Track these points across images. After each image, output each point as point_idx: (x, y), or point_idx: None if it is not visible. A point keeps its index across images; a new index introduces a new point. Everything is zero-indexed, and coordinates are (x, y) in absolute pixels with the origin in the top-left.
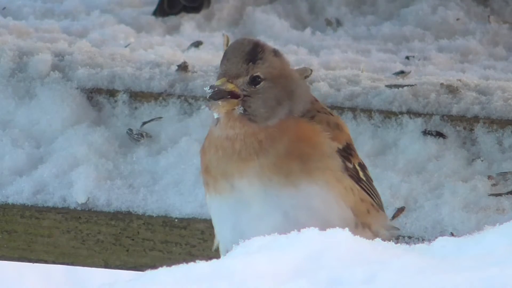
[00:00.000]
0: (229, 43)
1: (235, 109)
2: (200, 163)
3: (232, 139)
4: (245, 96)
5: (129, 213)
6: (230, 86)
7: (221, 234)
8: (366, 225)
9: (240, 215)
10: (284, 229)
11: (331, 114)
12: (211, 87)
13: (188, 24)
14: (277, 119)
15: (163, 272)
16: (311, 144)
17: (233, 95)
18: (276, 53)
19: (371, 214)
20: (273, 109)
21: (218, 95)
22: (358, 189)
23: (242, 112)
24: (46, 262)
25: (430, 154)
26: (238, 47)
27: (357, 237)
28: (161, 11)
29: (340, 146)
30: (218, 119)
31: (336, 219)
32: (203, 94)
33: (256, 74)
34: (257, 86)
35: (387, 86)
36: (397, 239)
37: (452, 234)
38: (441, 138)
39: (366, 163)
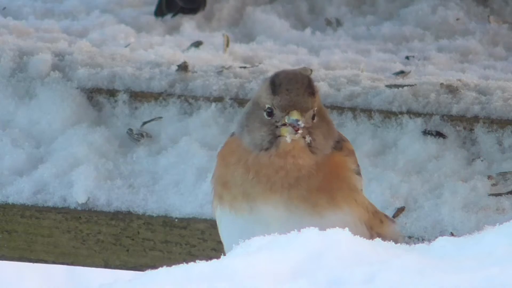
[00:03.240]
0: (229, 43)
1: (305, 137)
2: (217, 171)
3: (277, 169)
4: (308, 128)
5: (129, 213)
6: (304, 120)
7: (230, 244)
8: (381, 235)
9: (255, 234)
10: None
11: (344, 138)
12: (292, 123)
13: (188, 24)
14: (327, 152)
15: (163, 272)
16: (341, 179)
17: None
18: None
19: (385, 223)
20: (327, 142)
21: (297, 129)
22: (370, 203)
23: (309, 142)
24: (46, 262)
25: (430, 154)
26: (296, 79)
27: (357, 237)
28: (159, 12)
29: (358, 169)
30: (272, 143)
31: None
32: (203, 94)
33: (315, 108)
34: (314, 120)
35: (387, 86)
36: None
37: (452, 234)
38: (441, 138)
39: (366, 163)
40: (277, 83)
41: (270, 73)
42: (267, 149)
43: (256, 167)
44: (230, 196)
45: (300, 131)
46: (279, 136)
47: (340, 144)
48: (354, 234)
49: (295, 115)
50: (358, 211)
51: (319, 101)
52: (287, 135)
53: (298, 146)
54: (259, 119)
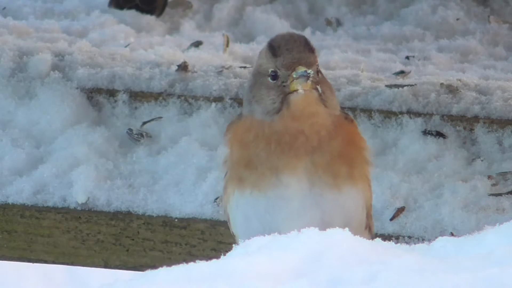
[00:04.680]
0: (229, 43)
1: (317, 88)
2: (234, 154)
3: (296, 134)
4: (316, 83)
5: (129, 213)
6: (312, 75)
7: (247, 232)
8: (369, 227)
9: (277, 213)
10: (318, 228)
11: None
12: (301, 76)
13: (188, 24)
14: (336, 112)
15: (163, 272)
16: (357, 149)
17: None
18: None
19: (371, 216)
20: (335, 99)
21: (307, 79)
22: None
23: (320, 93)
24: (46, 262)
25: (430, 154)
26: (294, 38)
27: (357, 237)
28: (116, 3)
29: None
30: (283, 103)
31: (357, 222)
32: (203, 94)
33: (317, 64)
34: (319, 76)
35: (387, 86)
36: (397, 239)
37: (452, 234)
38: (441, 138)
39: None
40: (275, 45)
41: None
42: (279, 111)
43: (275, 136)
44: (255, 175)
45: (310, 78)
46: (289, 93)
47: (347, 115)
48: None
49: (302, 69)
50: (369, 193)
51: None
52: (298, 87)
53: (311, 98)
54: (264, 86)
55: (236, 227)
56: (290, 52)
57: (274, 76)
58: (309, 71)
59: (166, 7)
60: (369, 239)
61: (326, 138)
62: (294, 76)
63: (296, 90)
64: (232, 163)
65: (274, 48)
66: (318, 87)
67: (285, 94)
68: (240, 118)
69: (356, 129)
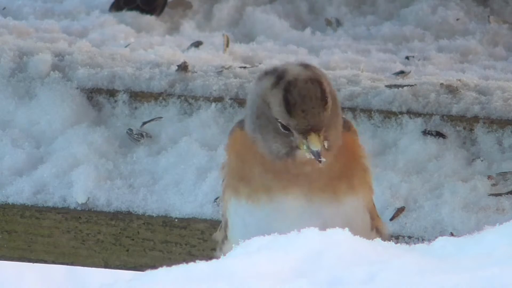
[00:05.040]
0: (229, 43)
1: (323, 145)
2: (230, 164)
3: (297, 175)
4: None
5: (129, 213)
6: (323, 140)
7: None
8: (377, 228)
9: (274, 223)
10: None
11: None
12: (316, 152)
13: (188, 24)
14: (339, 142)
15: (163, 272)
16: (357, 160)
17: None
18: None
19: (379, 217)
20: (339, 132)
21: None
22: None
23: (326, 147)
24: (46, 262)
25: (430, 154)
26: (310, 94)
27: (357, 237)
28: (117, 7)
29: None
30: (288, 154)
31: (360, 226)
32: (203, 94)
33: (329, 112)
34: (328, 114)
35: (387, 86)
36: (397, 239)
37: (452, 234)
38: (441, 138)
39: None
40: (291, 101)
41: None
42: (282, 158)
43: (273, 171)
44: (248, 189)
45: (321, 159)
46: (296, 147)
47: (347, 124)
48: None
49: (314, 141)
50: (370, 196)
51: (331, 88)
52: (307, 154)
53: (313, 160)
54: (272, 127)
55: (234, 232)
56: (305, 116)
57: (286, 129)
58: (319, 147)
59: (166, 6)
60: (380, 238)
61: (326, 170)
62: (305, 148)
63: (303, 149)
64: (229, 171)
65: (289, 104)
66: (325, 143)
67: (291, 148)
68: (242, 127)
69: (355, 138)
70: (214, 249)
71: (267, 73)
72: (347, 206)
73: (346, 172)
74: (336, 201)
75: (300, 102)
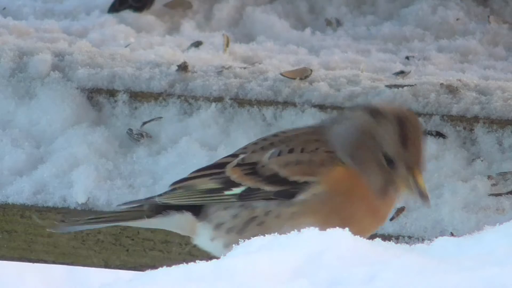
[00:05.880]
0: (229, 43)
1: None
2: (334, 202)
3: (384, 215)
4: None
5: None
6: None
7: None
8: None
9: None
10: None
11: None
12: (419, 191)
13: (188, 24)
14: None
15: (163, 272)
16: None
17: None
18: None
19: None
20: None
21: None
22: None
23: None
24: (46, 262)
25: (430, 154)
26: (419, 129)
27: (357, 237)
28: (112, 9)
29: None
30: (387, 191)
31: None
32: (203, 94)
33: None
34: None
35: (387, 86)
36: (397, 239)
37: (452, 234)
38: (441, 138)
39: None
40: (406, 134)
41: (270, 73)
42: (382, 193)
43: (374, 208)
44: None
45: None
46: (396, 184)
47: None
48: None
49: (421, 180)
50: None
51: None
52: (407, 191)
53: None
54: (375, 159)
55: None
56: (417, 151)
57: (391, 163)
58: (425, 187)
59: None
60: None
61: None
62: (411, 185)
63: (402, 189)
64: (329, 202)
65: (403, 136)
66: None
67: (392, 183)
68: (342, 164)
69: None
70: None
71: (363, 108)
72: None
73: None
74: None
75: (413, 136)
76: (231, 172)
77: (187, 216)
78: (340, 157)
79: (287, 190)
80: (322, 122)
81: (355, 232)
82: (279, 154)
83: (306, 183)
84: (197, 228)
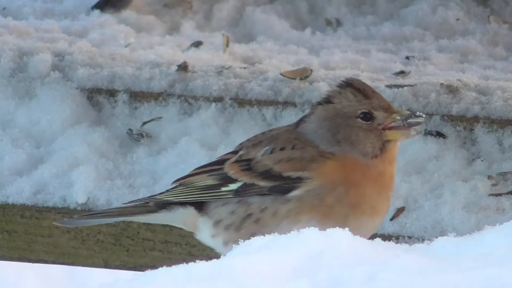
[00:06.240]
0: (229, 43)
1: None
2: (332, 191)
3: (390, 174)
4: None
5: None
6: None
7: None
8: None
9: None
10: None
11: None
12: (408, 116)
13: (188, 24)
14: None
15: (163, 272)
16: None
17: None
18: None
19: None
20: None
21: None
22: None
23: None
24: (46, 262)
25: (430, 154)
26: (369, 85)
27: (357, 237)
28: (99, 6)
29: None
30: (382, 150)
31: None
32: (203, 94)
33: None
34: None
35: (387, 86)
36: (397, 239)
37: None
38: (441, 138)
39: None
40: (361, 88)
41: (270, 73)
42: (377, 156)
43: (377, 177)
44: (359, 214)
45: (417, 129)
46: (386, 141)
47: None
48: None
49: (403, 111)
50: None
51: None
52: (398, 138)
53: (396, 150)
54: (357, 129)
55: None
56: (378, 96)
57: (368, 118)
58: (419, 113)
59: None
60: None
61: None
62: (399, 117)
63: (395, 140)
64: (326, 197)
65: (360, 90)
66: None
67: (382, 141)
68: (323, 155)
69: None
70: (214, 249)
71: (317, 102)
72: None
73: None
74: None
75: (366, 87)
76: (229, 168)
77: (190, 211)
78: (326, 150)
79: (281, 185)
80: (288, 125)
81: (370, 207)
82: (271, 152)
83: (299, 178)
84: (199, 223)
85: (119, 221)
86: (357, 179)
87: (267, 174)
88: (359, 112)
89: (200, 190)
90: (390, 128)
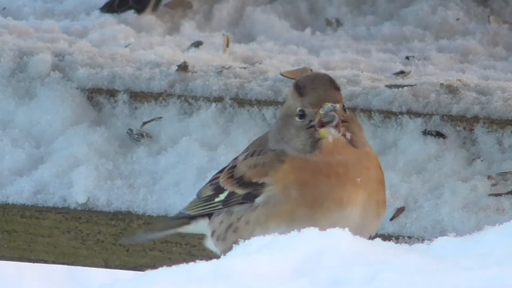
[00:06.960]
0: (229, 43)
1: (345, 134)
2: (289, 195)
3: (345, 164)
4: (344, 122)
5: (129, 213)
6: (338, 108)
7: None
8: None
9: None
10: None
11: None
12: (328, 112)
13: (188, 24)
14: (368, 149)
15: (163, 272)
16: (383, 178)
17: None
18: None
19: None
20: (364, 138)
21: (336, 121)
22: None
23: (349, 138)
24: (46, 262)
25: (430, 154)
26: (318, 78)
27: (357, 237)
28: (110, 9)
29: None
30: (314, 147)
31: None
32: (203, 94)
33: (343, 102)
34: (346, 113)
35: (387, 86)
36: (397, 239)
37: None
38: (441, 138)
39: None
40: (301, 85)
41: (270, 73)
42: (311, 151)
43: (329, 171)
44: (321, 211)
45: (340, 129)
46: (319, 139)
47: (370, 148)
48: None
49: (328, 104)
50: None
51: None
52: (329, 136)
53: (340, 142)
54: (292, 127)
55: None
56: (316, 91)
57: (302, 115)
58: (336, 106)
59: (161, 2)
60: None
61: (372, 168)
62: (322, 112)
63: (326, 138)
64: (285, 202)
65: (300, 87)
66: (347, 134)
67: (315, 140)
68: (280, 159)
69: (379, 161)
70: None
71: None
72: (380, 222)
73: (381, 184)
74: (376, 216)
75: (309, 83)
76: (222, 177)
77: (205, 221)
78: (280, 152)
79: (251, 192)
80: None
81: (335, 202)
82: (245, 158)
83: (264, 184)
84: (207, 233)
85: (168, 234)
86: (307, 178)
87: (241, 181)
88: (298, 110)
89: (203, 202)
90: (322, 126)
